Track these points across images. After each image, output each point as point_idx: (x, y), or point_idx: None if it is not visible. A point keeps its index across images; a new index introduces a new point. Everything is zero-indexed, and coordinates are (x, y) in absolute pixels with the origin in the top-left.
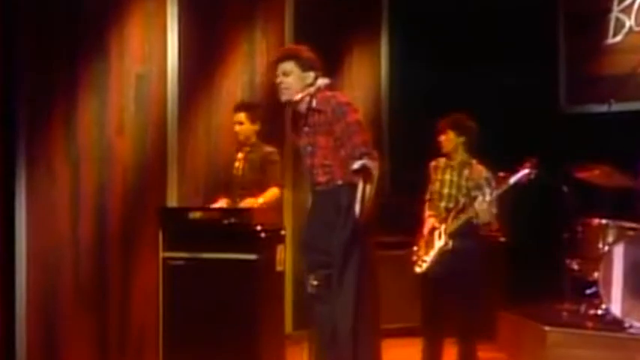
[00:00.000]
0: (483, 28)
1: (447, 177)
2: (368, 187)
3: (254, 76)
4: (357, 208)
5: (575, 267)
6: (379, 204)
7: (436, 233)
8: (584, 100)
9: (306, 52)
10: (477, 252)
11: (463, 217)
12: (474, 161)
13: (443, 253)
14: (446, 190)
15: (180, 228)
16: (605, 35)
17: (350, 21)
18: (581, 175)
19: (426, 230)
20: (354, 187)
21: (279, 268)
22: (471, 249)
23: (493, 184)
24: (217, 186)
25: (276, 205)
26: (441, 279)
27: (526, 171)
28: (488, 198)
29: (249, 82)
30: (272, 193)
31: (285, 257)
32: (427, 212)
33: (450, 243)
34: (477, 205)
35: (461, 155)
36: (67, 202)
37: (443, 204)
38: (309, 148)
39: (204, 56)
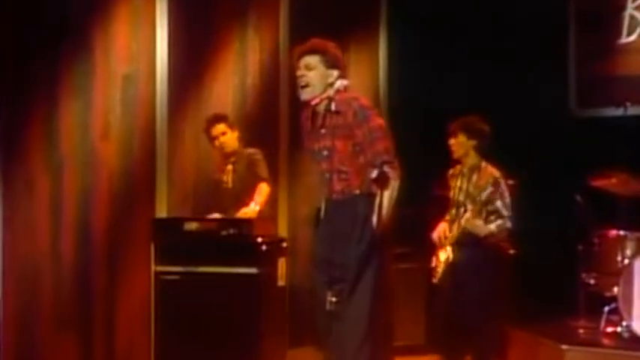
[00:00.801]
0: (487, 26)
1: (458, 184)
2: (387, 198)
3: (246, 77)
4: (375, 219)
5: (592, 282)
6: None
7: (436, 241)
8: (595, 103)
9: (333, 48)
10: (479, 264)
11: (457, 228)
12: (484, 164)
13: (448, 265)
14: (456, 198)
15: (174, 240)
16: (618, 34)
17: (348, 17)
18: (597, 183)
19: (435, 237)
20: (372, 197)
21: (280, 282)
22: (472, 260)
23: (502, 186)
24: (207, 195)
25: (270, 202)
26: (448, 291)
27: None
28: (468, 214)
29: (241, 83)
30: (262, 191)
31: (285, 271)
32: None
33: (451, 255)
34: (462, 221)
35: (472, 159)
36: (47, 213)
37: (453, 212)
38: (325, 152)
39: (194, 55)
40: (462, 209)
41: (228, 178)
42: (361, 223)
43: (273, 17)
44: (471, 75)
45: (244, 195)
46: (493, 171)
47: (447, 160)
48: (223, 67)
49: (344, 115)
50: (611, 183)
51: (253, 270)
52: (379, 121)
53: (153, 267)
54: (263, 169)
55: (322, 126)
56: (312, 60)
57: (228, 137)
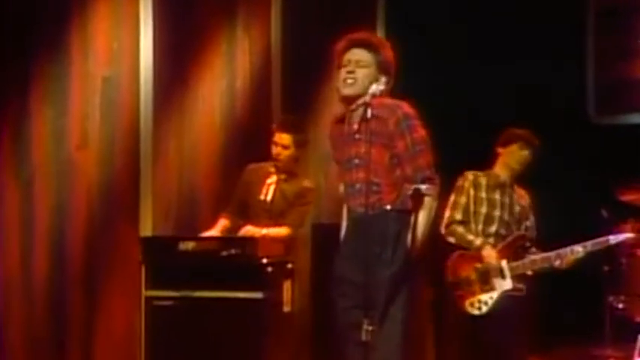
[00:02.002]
0: (496, 26)
1: (497, 197)
2: (424, 217)
3: (234, 81)
4: (409, 239)
5: (620, 306)
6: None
7: (494, 269)
8: (616, 109)
9: (389, 49)
10: (534, 295)
11: (540, 261)
12: (514, 182)
13: (505, 297)
14: (497, 213)
15: (168, 261)
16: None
17: (343, 18)
18: (626, 197)
19: (488, 259)
20: (406, 214)
21: (286, 308)
22: (533, 292)
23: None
24: (192, 211)
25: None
26: (490, 323)
27: (629, 235)
28: (582, 251)
29: (229, 87)
30: (279, 231)
31: (292, 296)
32: (471, 237)
33: (524, 288)
34: (565, 254)
35: (514, 176)
36: (17, 229)
37: (493, 228)
38: (356, 161)
39: (180, 56)
40: (512, 229)
41: (268, 191)
42: (393, 242)
43: (263, 16)
44: (479, 78)
45: (275, 218)
46: (525, 194)
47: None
48: (210, 70)
49: (385, 123)
50: None
51: (258, 295)
52: (423, 133)
53: (143, 291)
54: (304, 216)
55: (356, 132)
56: (366, 57)
57: (289, 154)
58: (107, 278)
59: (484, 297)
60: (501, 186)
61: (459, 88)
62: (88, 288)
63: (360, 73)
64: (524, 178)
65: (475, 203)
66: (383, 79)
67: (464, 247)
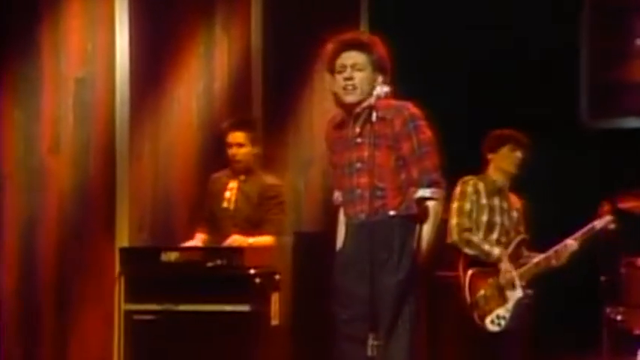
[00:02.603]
0: (483, 25)
1: (497, 203)
2: (430, 224)
3: (212, 82)
4: (415, 245)
5: (618, 317)
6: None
7: (504, 280)
8: (610, 113)
9: (381, 47)
10: (543, 301)
11: (543, 263)
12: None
13: (518, 307)
14: (498, 219)
15: (149, 273)
16: (636, 34)
17: (325, 17)
18: (624, 205)
19: (506, 272)
20: (411, 220)
21: (274, 322)
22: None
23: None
24: (167, 220)
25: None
26: (507, 336)
27: (609, 218)
28: (575, 244)
29: (207, 89)
30: (263, 240)
31: (279, 308)
32: (487, 246)
33: (531, 293)
34: (561, 250)
35: (509, 176)
36: None
37: (494, 236)
38: (358, 165)
39: (155, 57)
40: (510, 234)
41: (231, 197)
42: (398, 248)
43: (243, 15)
44: (466, 81)
45: (246, 223)
46: (517, 199)
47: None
48: (187, 70)
49: (391, 124)
50: None
51: (245, 307)
52: (429, 134)
53: (122, 305)
54: (281, 217)
55: (359, 135)
56: (361, 59)
57: (245, 151)
58: (80, 291)
59: (501, 311)
60: (499, 191)
61: (446, 88)
62: (60, 301)
63: (357, 77)
64: (514, 185)
65: (477, 211)
66: (380, 78)
67: (477, 257)
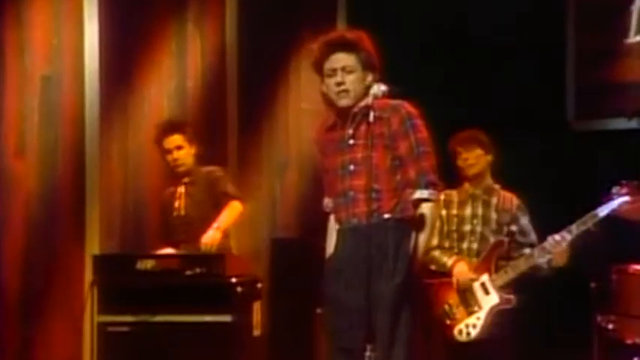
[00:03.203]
0: (467, 23)
1: (468, 211)
2: (427, 226)
3: (184, 82)
4: (411, 248)
5: (610, 326)
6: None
7: (476, 286)
8: (597, 113)
9: (368, 42)
10: (529, 309)
11: (523, 263)
12: (498, 186)
13: (495, 314)
14: (467, 227)
15: (124, 282)
16: (624, 33)
17: (303, 12)
18: (616, 191)
19: (457, 280)
20: (405, 223)
21: (256, 332)
22: (525, 305)
23: (524, 220)
24: (138, 228)
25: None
26: (484, 347)
27: (624, 199)
28: (569, 236)
29: (178, 89)
30: (232, 210)
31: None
32: (445, 258)
33: (513, 299)
34: (551, 246)
35: (487, 180)
36: None
37: (465, 245)
38: (352, 167)
39: (125, 53)
40: (489, 240)
41: (180, 204)
42: (394, 252)
43: (217, 10)
44: (448, 77)
45: (201, 225)
46: (513, 197)
47: None
48: (158, 69)
49: (387, 122)
50: (633, 209)
51: (226, 318)
52: (426, 134)
53: (95, 316)
54: (231, 185)
55: (352, 136)
56: (350, 60)
57: (184, 153)
58: (48, 301)
59: (471, 320)
60: (472, 197)
61: (428, 87)
62: (26, 311)
63: (349, 80)
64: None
65: (447, 223)
66: (369, 76)
67: (443, 272)
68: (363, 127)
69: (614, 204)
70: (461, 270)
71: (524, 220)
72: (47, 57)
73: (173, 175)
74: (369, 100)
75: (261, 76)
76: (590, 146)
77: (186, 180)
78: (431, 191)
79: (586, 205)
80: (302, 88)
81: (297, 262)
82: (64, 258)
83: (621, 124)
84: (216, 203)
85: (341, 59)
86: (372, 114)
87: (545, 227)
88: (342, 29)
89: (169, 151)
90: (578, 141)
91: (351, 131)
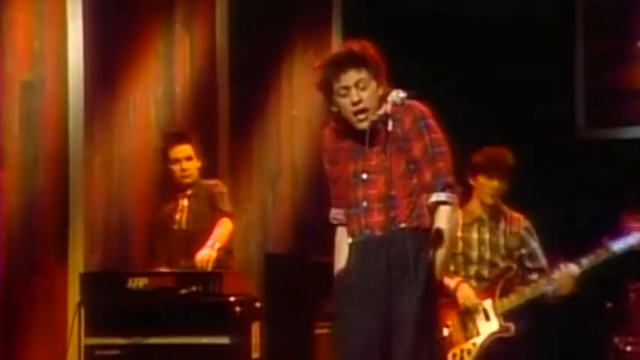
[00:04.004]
0: (470, 27)
1: (474, 236)
2: (446, 230)
3: (172, 87)
4: (429, 257)
5: (627, 348)
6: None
7: (478, 312)
8: (609, 121)
9: (374, 51)
10: (534, 338)
11: (528, 291)
12: (505, 207)
13: (493, 341)
14: (475, 253)
15: (114, 302)
16: (636, 35)
17: (297, 15)
18: (632, 225)
19: (463, 299)
20: (423, 232)
21: (255, 355)
22: (529, 333)
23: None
24: (123, 244)
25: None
26: None
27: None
28: (577, 270)
29: (167, 95)
30: (224, 227)
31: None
32: (447, 280)
33: (512, 327)
34: (559, 275)
35: (497, 204)
36: None
37: (472, 270)
38: (364, 176)
39: (110, 58)
40: (499, 266)
41: (182, 217)
42: (414, 261)
43: (207, 11)
44: (449, 83)
45: (202, 240)
46: (521, 218)
47: None
48: (144, 74)
49: (400, 123)
50: None
51: (224, 340)
52: (441, 134)
53: (82, 339)
54: (226, 203)
55: (373, 143)
56: (362, 75)
57: (193, 165)
58: (30, 322)
59: (467, 345)
60: (479, 221)
61: (428, 91)
62: (5, 334)
63: (364, 97)
64: (507, 201)
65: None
66: (382, 86)
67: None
68: (379, 135)
69: (631, 239)
70: (466, 293)
71: (534, 244)
72: (28, 61)
73: (172, 187)
74: (387, 107)
75: (252, 81)
76: (601, 155)
77: (189, 193)
78: (448, 194)
79: (595, 218)
80: (294, 94)
81: (292, 279)
82: (46, 276)
83: (634, 132)
84: (212, 217)
85: (352, 76)
86: (390, 122)
87: (553, 242)
88: (344, 43)
89: (177, 161)
90: (587, 150)
91: (366, 139)
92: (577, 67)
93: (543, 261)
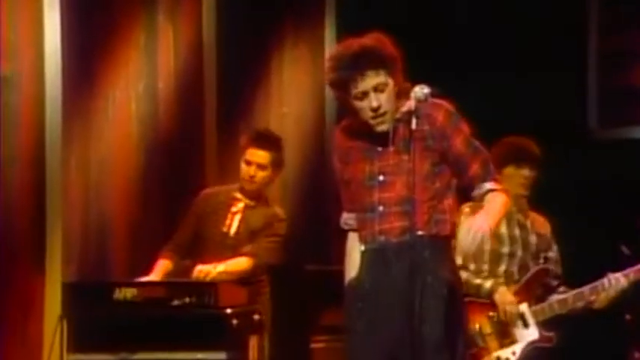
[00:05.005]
0: (471, 14)
1: (503, 230)
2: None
3: (155, 83)
4: (452, 266)
5: None
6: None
7: (513, 316)
8: (622, 121)
9: (388, 44)
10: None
11: (572, 301)
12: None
13: (531, 350)
14: (505, 249)
15: (100, 315)
16: None
17: (289, 6)
18: None
19: (504, 304)
20: (442, 241)
21: None
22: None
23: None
24: (101, 251)
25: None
26: None
27: None
28: (625, 282)
29: (149, 91)
30: (239, 263)
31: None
32: (478, 280)
33: (554, 337)
34: (605, 286)
35: (522, 200)
36: None
37: (502, 268)
38: (380, 178)
39: (88, 51)
40: (529, 265)
41: (232, 222)
42: (433, 267)
43: (192, 0)
44: (453, 81)
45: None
46: (544, 221)
47: None
48: (124, 68)
49: (428, 119)
50: None
51: (220, 355)
52: (468, 126)
53: (64, 355)
54: (271, 247)
55: (393, 142)
56: (380, 77)
57: (265, 175)
58: (2, 339)
59: (504, 353)
60: (507, 216)
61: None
62: None
63: (383, 100)
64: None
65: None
66: (391, 82)
67: (471, 295)
68: (398, 133)
69: None
70: (505, 298)
71: (556, 249)
72: (3, 55)
73: (240, 189)
74: (411, 104)
75: (241, 76)
76: (616, 157)
77: (250, 203)
78: (492, 185)
79: (611, 221)
80: (284, 90)
81: (285, 290)
82: (21, 286)
83: None
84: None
85: (371, 80)
86: (414, 120)
87: (567, 247)
88: (356, 39)
89: (249, 164)
90: (601, 151)
91: (387, 137)
92: (590, 62)
93: (560, 268)
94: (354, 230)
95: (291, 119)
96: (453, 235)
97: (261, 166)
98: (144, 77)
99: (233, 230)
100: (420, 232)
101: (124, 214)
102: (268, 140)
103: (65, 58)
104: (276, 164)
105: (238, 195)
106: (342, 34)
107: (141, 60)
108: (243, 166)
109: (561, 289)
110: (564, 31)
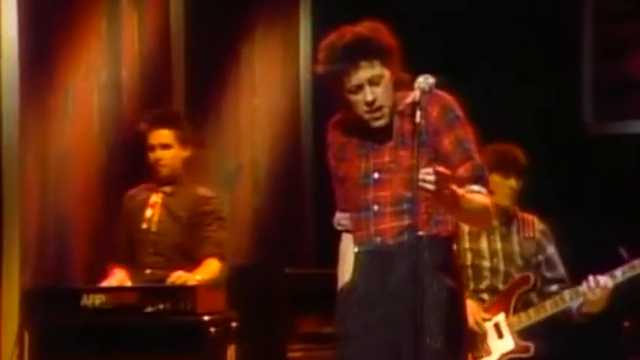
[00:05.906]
0: (469, 9)
1: (484, 245)
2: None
3: (118, 72)
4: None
5: None
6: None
7: (490, 328)
8: (618, 115)
9: (384, 32)
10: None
11: (549, 305)
12: (516, 209)
13: None
14: (487, 264)
15: (65, 323)
16: None
17: None
18: None
19: (480, 326)
20: (443, 241)
21: None
22: (550, 355)
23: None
24: (59, 255)
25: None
26: None
27: None
28: (611, 283)
29: (111, 80)
30: (210, 268)
31: None
32: None
33: (531, 347)
34: (588, 289)
35: (508, 207)
36: None
37: (485, 283)
38: (375, 176)
39: (43, 36)
40: (513, 276)
41: (152, 215)
42: (432, 270)
43: None
44: (447, 75)
45: (174, 251)
46: (535, 220)
47: None
48: (84, 56)
49: (425, 114)
50: None
51: None
52: (471, 127)
53: None
54: (221, 235)
55: (390, 137)
56: (376, 69)
57: (173, 154)
58: None
59: None
60: (488, 231)
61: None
62: None
63: (378, 94)
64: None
65: (461, 257)
66: (387, 73)
67: None
68: (397, 127)
69: None
70: (471, 310)
71: (551, 249)
72: None
73: (153, 176)
74: (415, 95)
75: (210, 65)
76: (610, 151)
77: (168, 190)
78: (484, 188)
79: (608, 219)
80: (255, 81)
81: (258, 294)
82: None
83: None
84: (197, 242)
85: (365, 73)
86: (418, 113)
87: (562, 248)
88: (350, 27)
89: (153, 148)
90: (596, 146)
91: (382, 132)
92: (584, 53)
93: (562, 269)
94: (347, 231)
95: (264, 111)
96: (454, 236)
97: (164, 146)
98: (106, 66)
99: (154, 223)
100: (419, 233)
101: (85, 213)
102: (165, 117)
103: (22, 48)
104: (182, 141)
105: (153, 187)
106: (317, 22)
107: (103, 47)
108: (148, 154)
109: (564, 294)
110: (555, 14)
